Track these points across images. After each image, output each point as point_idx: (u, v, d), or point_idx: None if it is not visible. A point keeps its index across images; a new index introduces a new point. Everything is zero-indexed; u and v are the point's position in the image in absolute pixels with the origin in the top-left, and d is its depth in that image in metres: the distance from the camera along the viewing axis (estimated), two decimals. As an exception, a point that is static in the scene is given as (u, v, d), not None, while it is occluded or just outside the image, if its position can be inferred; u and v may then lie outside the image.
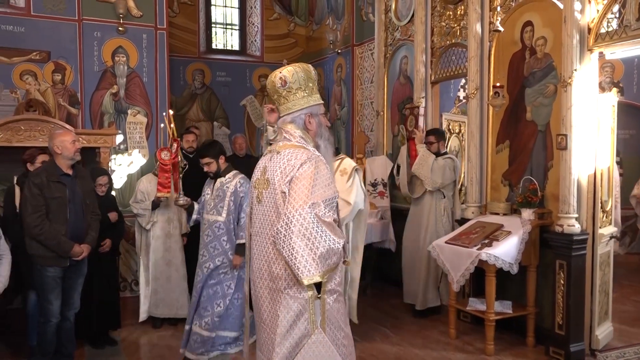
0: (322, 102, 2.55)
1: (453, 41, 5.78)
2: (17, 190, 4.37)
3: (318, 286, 2.31)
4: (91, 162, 5.52)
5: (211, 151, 4.22)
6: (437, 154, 5.44)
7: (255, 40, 9.08)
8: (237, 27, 9.20)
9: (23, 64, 6.34)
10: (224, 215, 4.14)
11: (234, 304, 4.22)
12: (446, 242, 4.74)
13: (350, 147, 7.77)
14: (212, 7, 8.98)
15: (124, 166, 6.48)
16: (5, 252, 3.74)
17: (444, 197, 5.42)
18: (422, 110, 5.72)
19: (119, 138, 6.28)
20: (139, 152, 6.54)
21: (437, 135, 5.57)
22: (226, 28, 9.18)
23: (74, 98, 6.50)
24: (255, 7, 9.11)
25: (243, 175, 4.27)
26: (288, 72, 2.43)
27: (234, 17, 9.21)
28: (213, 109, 8.55)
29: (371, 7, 7.24)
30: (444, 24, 5.92)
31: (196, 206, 4.38)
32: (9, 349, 4.35)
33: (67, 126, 5.35)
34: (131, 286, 6.29)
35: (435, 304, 5.48)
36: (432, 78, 6.10)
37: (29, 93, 6.31)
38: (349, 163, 4.29)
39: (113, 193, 5.22)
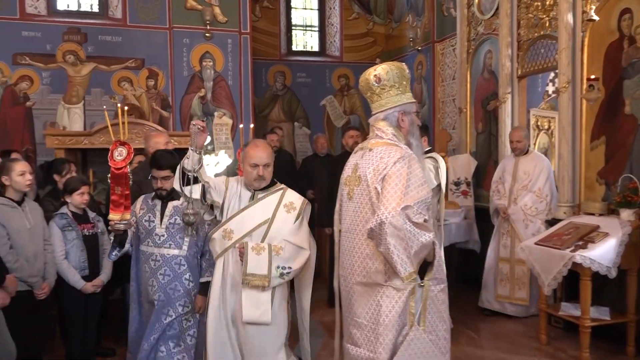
0: (415, 100, 2.55)
1: (541, 33, 5.52)
2: (117, 189, 4.68)
3: (422, 273, 2.39)
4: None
5: (173, 162, 3.23)
6: None
7: (335, 41, 9.16)
8: (316, 29, 9.33)
9: (120, 71, 6.82)
10: (185, 248, 3.31)
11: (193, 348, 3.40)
12: (536, 243, 4.54)
13: (431, 146, 7.64)
14: (292, 10, 9.17)
15: (211, 166, 6.76)
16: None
17: None
18: None
19: (207, 139, 6.57)
20: (225, 152, 6.80)
21: (420, 130, 4.85)
22: (306, 30, 9.34)
23: (165, 102, 6.89)
24: (334, 7, 9.19)
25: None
26: (383, 69, 2.46)
27: (313, 18, 9.35)
28: (294, 109, 8.73)
29: (452, 2, 7.07)
30: (531, 15, 5.67)
31: (129, 233, 3.27)
32: (111, 336, 4.67)
33: (160, 128, 5.69)
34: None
35: None
36: (519, 72, 5.87)
37: (126, 98, 6.76)
38: (296, 196, 3.14)
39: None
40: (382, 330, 2.34)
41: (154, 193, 3.41)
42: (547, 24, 5.43)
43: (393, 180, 2.29)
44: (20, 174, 3.49)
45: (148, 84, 6.87)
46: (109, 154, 3.02)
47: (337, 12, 9.14)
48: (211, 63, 6.89)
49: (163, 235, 3.31)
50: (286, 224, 2.97)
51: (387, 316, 2.35)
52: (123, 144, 3.06)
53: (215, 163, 6.79)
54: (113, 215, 3.03)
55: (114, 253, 3.29)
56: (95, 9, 7.15)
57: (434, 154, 4.46)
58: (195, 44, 6.86)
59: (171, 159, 3.33)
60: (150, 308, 3.38)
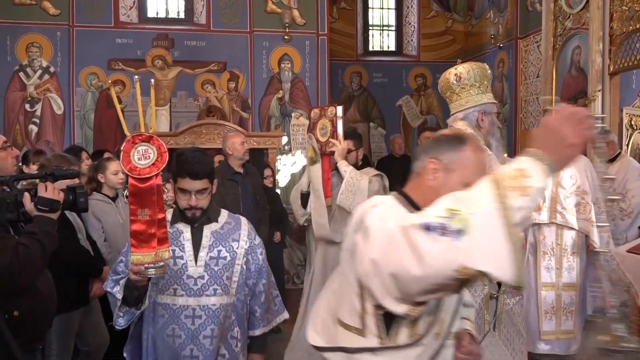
0: (496, 101, 2.50)
1: (637, 26, 5.16)
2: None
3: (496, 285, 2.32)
4: (260, 162, 6.00)
5: (211, 168, 2.24)
6: (355, 167, 3.58)
7: (412, 40, 9.05)
8: (393, 28, 9.26)
9: (204, 74, 7.13)
10: (233, 292, 2.22)
11: None
12: (628, 251, 4.24)
13: (512, 147, 7.37)
14: (370, 10, 9.16)
15: (287, 166, 6.92)
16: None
17: None
18: (340, 112, 3.56)
19: (284, 140, 6.72)
20: (302, 153, 6.93)
21: (356, 139, 3.78)
22: (382, 30, 9.29)
23: (245, 103, 7.13)
24: (412, 6, 9.08)
25: (244, 218, 2.41)
26: (464, 68, 2.44)
27: (390, 18, 9.29)
28: (369, 110, 8.71)
29: (538, -4, 6.78)
30: (625, 7, 5.32)
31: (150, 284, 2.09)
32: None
33: (239, 129, 5.89)
34: (293, 279, 6.69)
35: None
36: (611, 69, 5.51)
37: (208, 100, 7.07)
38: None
39: (278, 191, 5.62)
40: None
41: (171, 213, 2.22)
42: (644, 16, 5.08)
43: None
44: (115, 172, 3.74)
45: (229, 86, 7.13)
46: (121, 157, 1.81)
47: (415, 10, 9.02)
48: (289, 65, 7.04)
49: (202, 278, 2.16)
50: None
51: None
52: (148, 139, 1.81)
53: (292, 163, 6.95)
54: (141, 256, 1.81)
55: (122, 317, 2.13)
56: (182, 15, 7.52)
57: (379, 172, 3.70)
58: (274, 47, 7.03)
59: (209, 162, 2.27)
60: None
